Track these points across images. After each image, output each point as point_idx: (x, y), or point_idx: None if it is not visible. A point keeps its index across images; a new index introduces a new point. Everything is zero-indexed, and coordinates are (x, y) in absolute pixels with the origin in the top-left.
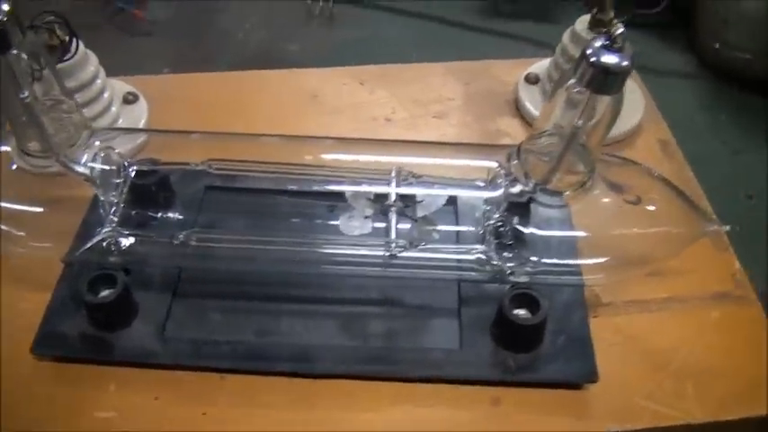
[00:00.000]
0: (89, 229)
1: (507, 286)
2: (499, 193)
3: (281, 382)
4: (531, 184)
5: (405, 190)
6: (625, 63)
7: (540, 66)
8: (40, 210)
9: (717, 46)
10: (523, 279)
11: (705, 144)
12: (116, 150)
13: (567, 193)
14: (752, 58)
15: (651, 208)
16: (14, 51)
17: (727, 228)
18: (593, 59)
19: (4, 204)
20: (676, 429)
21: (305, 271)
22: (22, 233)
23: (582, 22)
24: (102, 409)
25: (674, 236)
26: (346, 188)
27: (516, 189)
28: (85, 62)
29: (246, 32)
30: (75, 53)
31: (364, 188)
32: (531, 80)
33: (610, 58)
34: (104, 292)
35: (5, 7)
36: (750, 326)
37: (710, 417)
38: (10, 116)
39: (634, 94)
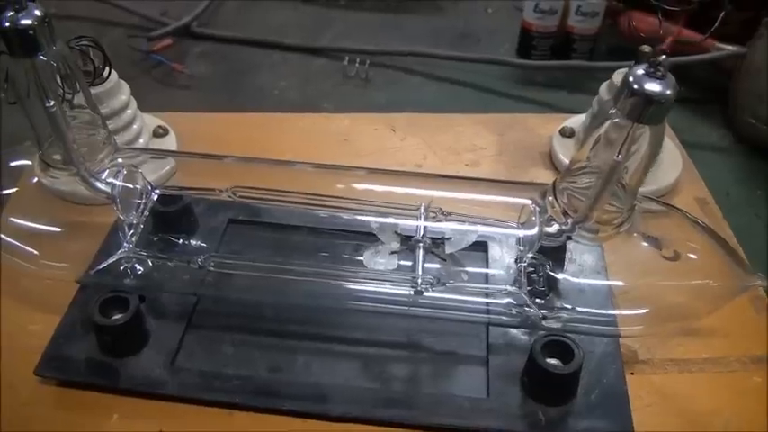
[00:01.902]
0: (107, 254)
1: (538, 333)
2: (534, 231)
3: (292, 423)
4: (568, 223)
5: (434, 225)
6: (668, 92)
7: (575, 121)
8: (58, 230)
9: (753, 121)
10: (555, 325)
11: (740, 217)
12: (140, 171)
13: (604, 233)
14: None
15: (693, 256)
16: (43, 57)
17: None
18: (635, 87)
19: (22, 222)
20: None
21: (326, 305)
22: (37, 252)
23: (619, 75)
24: None
25: (715, 289)
26: (373, 219)
27: (552, 228)
28: (117, 91)
29: (281, 90)
30: (107, 79)
31: (392, 221)
32: (566, 134)
33: (652, 86)
34: (115, 315)
35: (37, 12)
36: None
37: None
38: (33, 125)
39: (672, 152)
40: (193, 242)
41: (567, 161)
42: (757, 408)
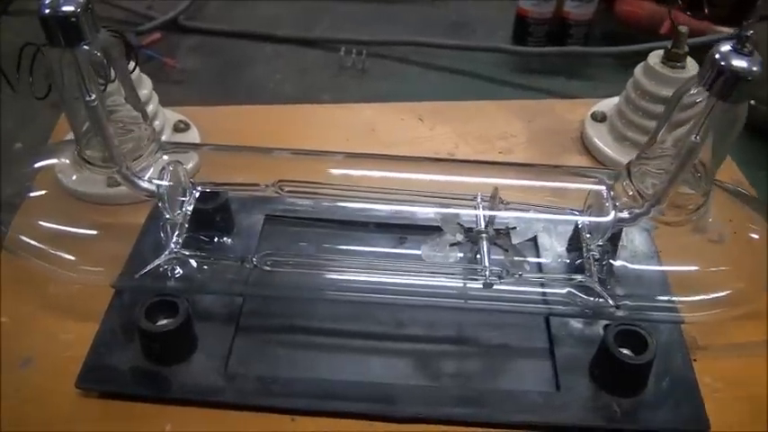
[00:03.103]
0: (142, 256)
1: (602, 323)
2: (609, 218)
3: (358, 426)
4: (644, 206)
5: (500, 214)
6: (756, 68)
7: (605, 104)
8: (86, 232)
9: (752, 102)
10: (620, 314)
11: None
12: (184, 166)
13: (680, 218)
14: None
15: (754, 236)
16: (85, 47)
17: None
18: (722, 63)
19: (51, 225)
20: None
21: (384, 301)
22: (69, 256)
23: (654, 56)
24: None
25: None
26: (434, 210)
27: (625, 213)
28: (139, 85)
29: (277, 83)
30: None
31: (453, 211)
32: (598, 118)
33: (740, 63)
34: (163, 321)
35: None
36: None
37: None
38: (71, 120)
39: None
40: (234, 240)
41: (602, 146)
42: None
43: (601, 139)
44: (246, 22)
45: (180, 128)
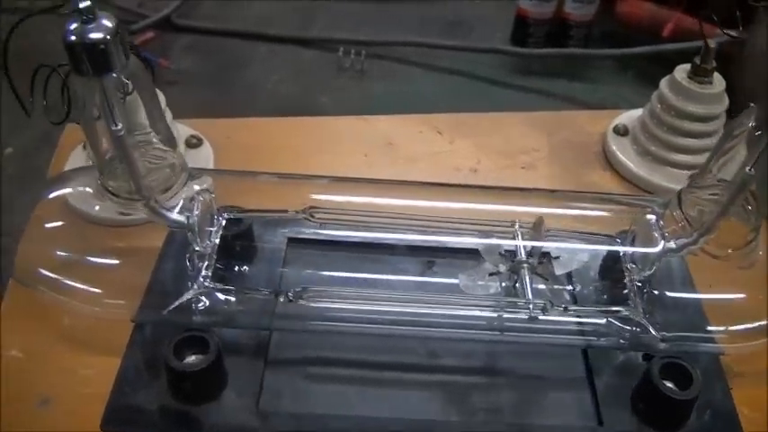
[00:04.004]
0: (162, 285)
1: (640, 355)
2: (658, 248)
3: None
4: (694, 236)
5: (547, 244)
6: None
7: (626, 117)
8: (103, 261)
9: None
10: (664, 346)
11: None
12: (212, 195)
13: (731, 251)
14: None
15: None
16: (114, 75)
17: None
18: None
19: (63, 254)
20: None
21: (417, 334)
22: (85, 287)
23: (681, 71)
24: None
25: None
26: (477, 241)
27: (673, 243)
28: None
29: (275, 84)
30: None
31: (495, 241)
32: (620, 131)
33: None
34: (191, 358)
35: (108, 22)
36: None
37: None
38: (95, 149)
39: None
40: (258, 267)
41: (626, 160)
42: None
43: (624, 154)
44: (241, 21)
45: (192, 143)
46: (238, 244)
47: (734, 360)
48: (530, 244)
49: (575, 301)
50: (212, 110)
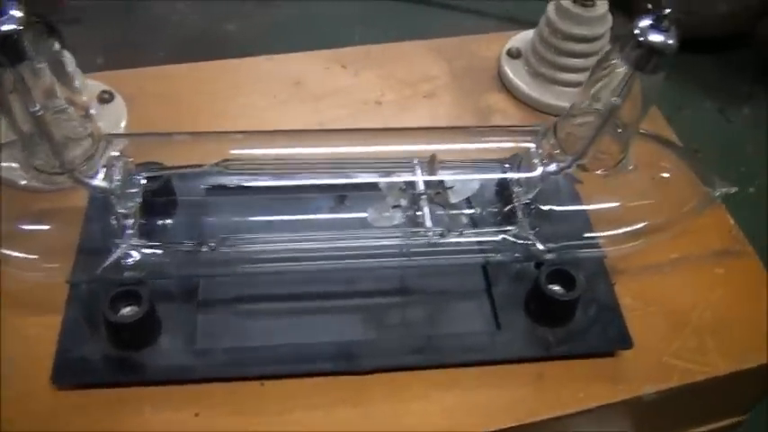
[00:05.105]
0: (91, 245)
1: (533, 264)
2: (538, 172)
3: (324, 382)
4: (568, 161)
5: (440, 176)
6: (671, 42)
7: (520, 39)
8: (30, 227)
9: (649, 6)
10: (549, 256)
11: None
12: (130, 159)
13: (601, 171)
14: (680, 18)
15: (665, 175)
16: (29, 62)
17: (736, 189)
18: (640, 39)
19: None
20: (704, 383)
21: (335, 266)
22: (17, 254)
23: None
24: None
25: (691, 201)
26: (378, 179)
27: (552, 167)
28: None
29: (180, 14)
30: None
31: (395, 178)
32: (513, 54)
33: (657, 38)
34: (127, 310)
35: (18, 13)
36: (752, 277)
37: (733, 367)
38: (16, 128)
39: None
40: (180, 218)
41: (519, 83)
42: (725, 296)
43: (517, 76)
44: None
45: (104, 98)
46: (160, 199)
47: (618, 260)
48: (424, 179)
49: (474, 223)
50: (119, 48)
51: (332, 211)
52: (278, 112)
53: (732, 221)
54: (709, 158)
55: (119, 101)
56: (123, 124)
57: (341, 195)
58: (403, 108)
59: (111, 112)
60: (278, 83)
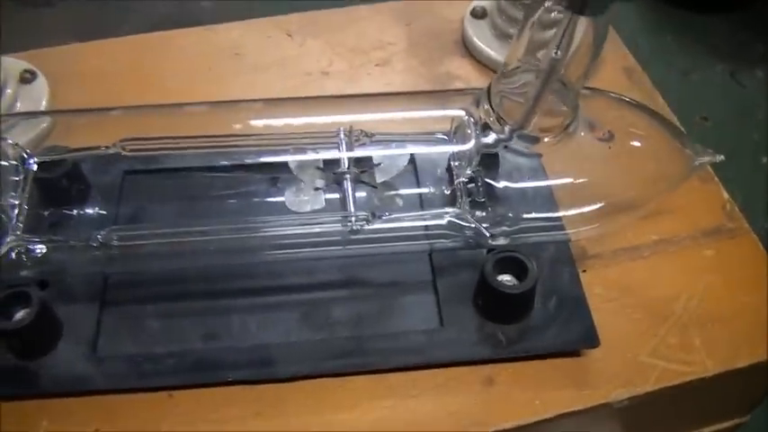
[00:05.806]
0: None
1: (485, 251)
2: (470, 145)
3: (240, 392)
4: (506, 131)
5: (360, 152)
6: None
7: None
8: None
9: None
10: (502, 241)
11: (653, 68)
12: (11, 142)
13: (548, 138)
14: None
15: (636, 144)
16: None
17: (722, 157)
18: None
19: None
20: (688, 385)
21: (251, 260)
22: None
23: None
24: None
25: (666, 172)
26: (289, 158)
27: (489, 138)
28: None
29: None
30: None
31: (310, 156)
32: (478, 14)
33: None
34: (19, 314)
35: None
36: (749, 260)
37: (723, 366)
38: None
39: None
40: (89, 209)
41: (483, 46)
42: (716, 282)
43: (482, 39)
44: None
45: (26, 78)
46: (62, 183)
47: (589, 244)
48: (337, 154)
49: (420, 202)
50: (91, 30)
51: (261, 195)
52: (214, 85)
53: (726, 196)
54: (719, 126)
55: (41, 81)
56: (44, 105)
57: (273, 177)
58: (351, 79)
59: (33, 93)
60: (216, 55)
